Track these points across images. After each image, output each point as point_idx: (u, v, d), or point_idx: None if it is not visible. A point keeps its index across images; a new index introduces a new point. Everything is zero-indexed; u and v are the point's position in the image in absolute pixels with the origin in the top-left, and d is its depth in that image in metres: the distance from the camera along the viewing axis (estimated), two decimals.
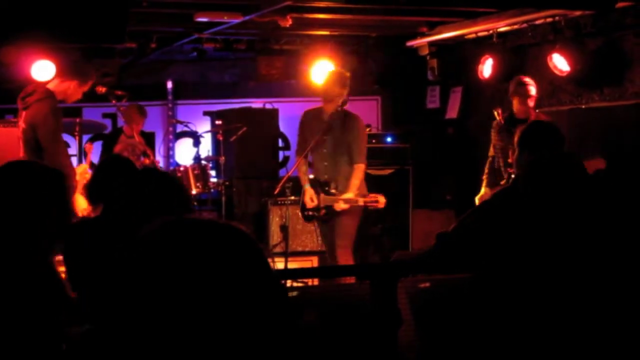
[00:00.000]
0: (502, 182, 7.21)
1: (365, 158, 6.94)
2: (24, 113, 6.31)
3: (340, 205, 6.75)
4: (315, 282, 6.81)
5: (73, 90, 6.40)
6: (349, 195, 6.75)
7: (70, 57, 7.92)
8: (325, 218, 6.95)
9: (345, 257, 6.77)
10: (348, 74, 7.01)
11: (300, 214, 7.29)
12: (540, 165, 3.36)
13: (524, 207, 3.26)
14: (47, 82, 6.47)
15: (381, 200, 6.80)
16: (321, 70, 8.99)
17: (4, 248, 2.26)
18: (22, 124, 6.33)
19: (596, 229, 3.26)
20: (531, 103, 7.11)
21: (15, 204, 2.34)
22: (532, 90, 7.07)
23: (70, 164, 6.54)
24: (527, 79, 7.14)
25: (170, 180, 3.40)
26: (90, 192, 4.18)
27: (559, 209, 3.22)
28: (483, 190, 7.44)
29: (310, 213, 7.03)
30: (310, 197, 6.95)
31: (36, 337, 2.12)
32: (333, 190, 6.90)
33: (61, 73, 6.47)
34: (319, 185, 6.98)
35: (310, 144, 6.93)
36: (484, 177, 7.50)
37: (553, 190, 3.25)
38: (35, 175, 2.42)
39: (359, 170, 6.87)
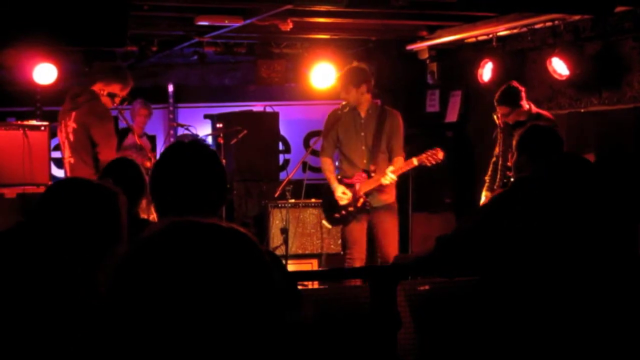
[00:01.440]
0: (496, 185, 7.22)
1: (403, 151, 6.98)
2: (73, 113, 6.52)
3: (389, 178, 6.70)
4: (315, 284, 6.81)
5: (114, 93, 6.60)
6: (391, 168, 6.75)
7: (72, 60, 7.96)
8: (366, 208, 6.87)
9: None
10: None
11: (325, 220, 7.23)
12: (563, 166, 3.32)
13: (545, 208, 3.21)
14: (92, 85, 6.61)
15: (440, 154, 6.76)
16: (322, 73, 9.01)
17: (46, 258, 2.29)
18: (71, 124, 6.53)
19: (616, 235, 3.25)
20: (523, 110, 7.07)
21: (65, 219, 2.37)
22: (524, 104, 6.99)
23: None
24: (516, 93, 6.94)
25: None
26: None
27: (583, 213, 3.19)
28: (484, 194, 7.43)
29: (344, 212, 6.91)
30: (342, 191, 6.87)
31: (60, 343, 2.15)
32: (373, 174, 6.88)
33: (104, 77, 6.63)
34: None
35: (340, 142, 6.95)
36: (487, 178, 7.48)
37: (577, 193, 3.21)
38: (87, 194, 2.44)
39: (400, 159, 6.89)
